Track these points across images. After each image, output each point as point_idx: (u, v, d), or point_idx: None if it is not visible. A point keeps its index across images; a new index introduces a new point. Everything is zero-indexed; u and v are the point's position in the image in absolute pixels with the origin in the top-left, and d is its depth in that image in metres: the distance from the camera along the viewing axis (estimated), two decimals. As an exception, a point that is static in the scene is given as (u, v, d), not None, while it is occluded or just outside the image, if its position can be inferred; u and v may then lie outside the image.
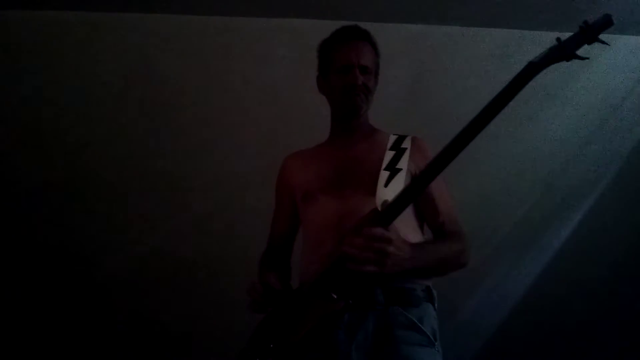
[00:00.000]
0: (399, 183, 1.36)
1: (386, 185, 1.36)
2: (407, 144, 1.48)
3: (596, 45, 1.16)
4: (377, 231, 1.17)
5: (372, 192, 1.36)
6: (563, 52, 1.10)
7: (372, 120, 1.61)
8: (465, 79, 2.63)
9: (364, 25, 1.57)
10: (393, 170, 1.41)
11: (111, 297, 2.79)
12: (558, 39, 1.10)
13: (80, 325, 2.81)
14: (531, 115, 2.67)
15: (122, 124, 2.66)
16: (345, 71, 1.49)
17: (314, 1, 2.44)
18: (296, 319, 1.31)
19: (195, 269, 2.77)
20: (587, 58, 1.11)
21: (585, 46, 1.14)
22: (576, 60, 1.14)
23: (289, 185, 1.59)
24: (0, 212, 2.69)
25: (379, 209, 1.28)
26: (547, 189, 2.86)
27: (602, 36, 2.56)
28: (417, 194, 1.28)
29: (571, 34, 2.57)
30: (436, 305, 1.38)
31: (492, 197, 2.79)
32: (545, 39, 2.68)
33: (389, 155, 1.45)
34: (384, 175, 1.39)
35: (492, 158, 2.72)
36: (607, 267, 2.92)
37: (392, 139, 1.51)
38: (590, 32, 1.08)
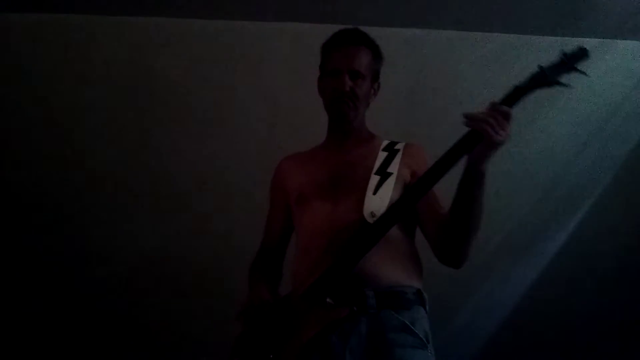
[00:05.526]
0: (388, 189, 1.36)
1: (375, 192, 1.36)
2: (400, 146, 1.49)
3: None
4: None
5: (364, 198, 1.36)
6: (545, 79, 1.21)
7: (370, 125, 1.60)
8: (464, 83, 2.64)
9: (362, 29, 1.57)
10: (384, 174, 1.40)
11: (110, 297, 2.80)
12: (540, 66, 1.20)
13: (78, 326, 2.82)
14: (528, 119, 2.67)
15: (123, 124, 2.67)
16: (335, 75, 1.48)
17: (314, 5, 2.46)
18: (294, 327, 1.30)
19: (195, 270, 2.77)
20: (569, 85, 1.21)
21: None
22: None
23: (283, 188, 1.58)
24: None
25: (367, 219, 1.30)
26: (545, 193, 2.86)
27: (599, 40, 2.60)
28: (408, 207, 1.30)
29: (570, 38, 2.58)
30: (427, 308, 1.38)
31: (489, 201, 2.79)
32: (545, 44, 2.71)
33: (381, 156, 1.45)
34: (374, 179, 1.39)
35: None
36: (604, 271, 2.92)
37: (386, 142, 1.52)
38: (568, 63, 1.20)
